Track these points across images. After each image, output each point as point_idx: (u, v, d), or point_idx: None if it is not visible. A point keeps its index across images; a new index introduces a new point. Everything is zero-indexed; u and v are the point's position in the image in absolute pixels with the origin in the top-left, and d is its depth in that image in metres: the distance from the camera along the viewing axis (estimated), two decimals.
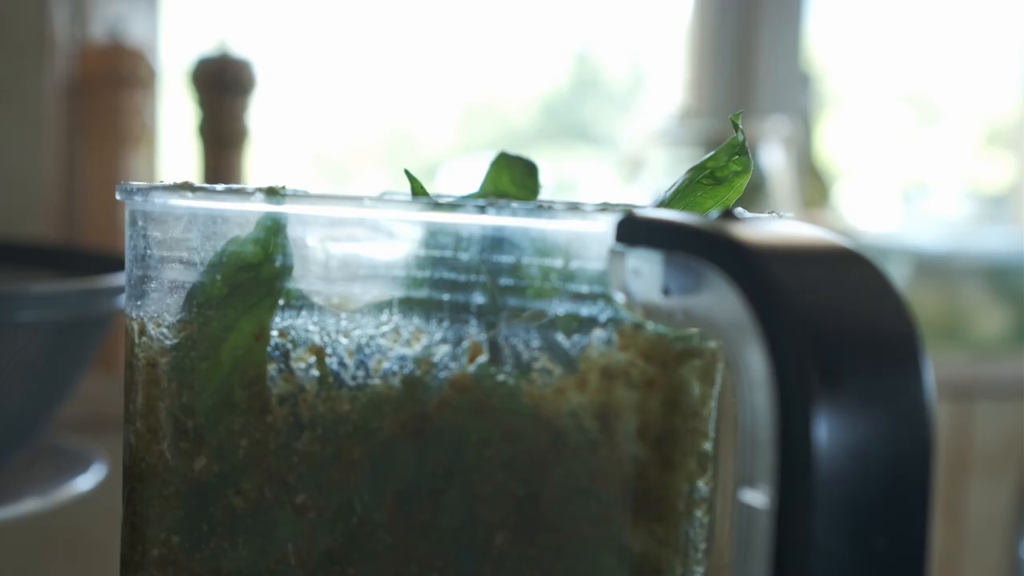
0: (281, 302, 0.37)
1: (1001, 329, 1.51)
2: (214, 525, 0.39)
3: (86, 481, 0.66)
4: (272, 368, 0.38)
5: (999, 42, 1.73)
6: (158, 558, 0.39)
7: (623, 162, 1.38)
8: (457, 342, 0.36)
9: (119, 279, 0.62)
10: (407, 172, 0.41)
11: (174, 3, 1.14)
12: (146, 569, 0.40)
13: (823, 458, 0.28)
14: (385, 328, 0.36)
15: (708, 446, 0.35)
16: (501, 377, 0.35)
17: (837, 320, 0.29)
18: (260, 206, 0.38)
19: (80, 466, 0.67)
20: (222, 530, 0.38)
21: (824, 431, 0.28)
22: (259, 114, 1.07)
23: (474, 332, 0.35)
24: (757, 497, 0.29)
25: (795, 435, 0.28)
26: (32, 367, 0.61)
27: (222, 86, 1.02)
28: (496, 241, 0.35)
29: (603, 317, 0.34)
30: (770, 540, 0.29)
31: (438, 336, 0.36)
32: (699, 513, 0.35)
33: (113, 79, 1.01)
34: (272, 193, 0.37)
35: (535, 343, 0.35)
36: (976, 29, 1.72)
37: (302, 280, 0.37)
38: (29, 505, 0.62)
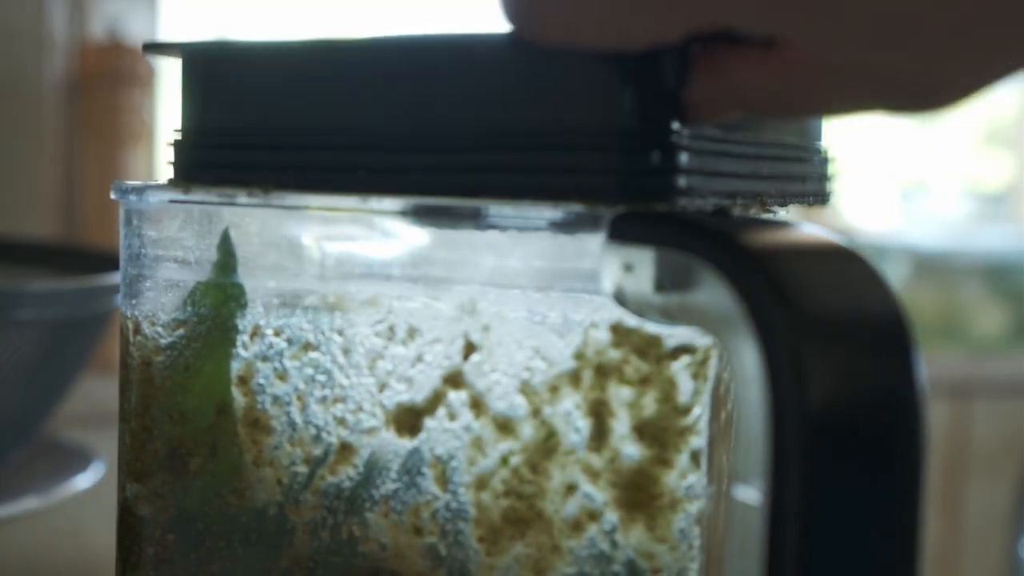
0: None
1: (1000, 327, 1.51)
2: (209, 524, 0.39)
3: (85, 479, 0.66)
4: (267, 368, 0.38)
5: None
6: (154, 557, 0.39)
7: None
8: (452, 340, 0.36)
9: (117, 277, 0.62)
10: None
11: (173, 1, 1.14)
12: (142, 568, 0.40)
13: (816, 454, 0.28)
14: (380, 327, 0.36)
15: (702, 442, 0.35)
16: (496, 375, 0.35)
17: (829, 316, 0.29)
18: (257, 204, 0.38)
19: (79, 464, 0.67)
20: (217, 529, 0.39)
21: (817, 427, 0.28)
22: None
23: (469, 329, 0.35)
24: (751, 493, 0.29)
25: (788, 431, 0.28)
26: (30, 365, 0.61)
27: None
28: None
29: (596, 314, 0.34)
30: (764, 535, 0.29)
31: (431, 336, 0.36)
32: (693, 509, 0.35)
33: (112, 77, 1.01)
34: (267, 190, 0.37)
35: (529, 341, 0.35)
36: None
37: (297, 278, 0.37)
38: (28, 503, 0.62)
